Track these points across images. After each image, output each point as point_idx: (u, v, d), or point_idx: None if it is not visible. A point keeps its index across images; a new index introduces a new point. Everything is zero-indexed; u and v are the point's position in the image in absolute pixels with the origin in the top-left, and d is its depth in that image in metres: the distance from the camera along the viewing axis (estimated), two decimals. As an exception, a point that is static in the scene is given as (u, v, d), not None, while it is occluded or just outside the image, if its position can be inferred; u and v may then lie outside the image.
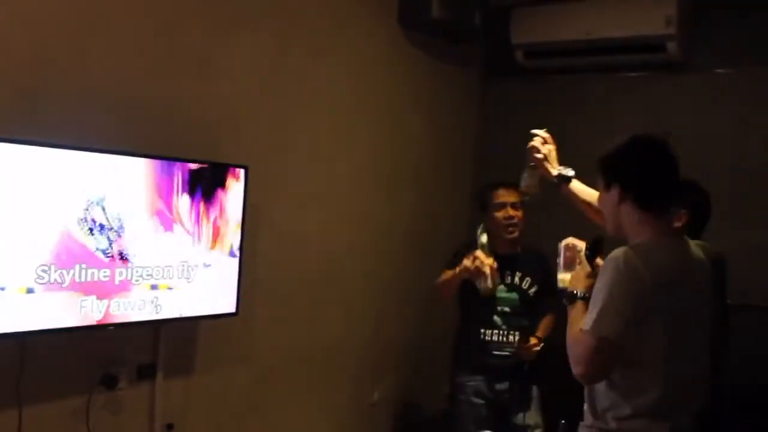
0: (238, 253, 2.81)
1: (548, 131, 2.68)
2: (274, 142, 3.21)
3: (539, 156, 2.66)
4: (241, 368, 3.13)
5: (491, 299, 3.26)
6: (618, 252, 1.92)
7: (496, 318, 3.31)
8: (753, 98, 3.80)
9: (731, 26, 3.88)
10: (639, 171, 2.01)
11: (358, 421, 3.81)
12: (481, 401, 3.30)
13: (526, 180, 2.74)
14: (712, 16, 3.91)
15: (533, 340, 3.23)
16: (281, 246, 3.26)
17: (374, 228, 3.84)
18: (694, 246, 2.10)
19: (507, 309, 3.30)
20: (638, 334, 1.89)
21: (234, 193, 2.78)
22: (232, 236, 2.79)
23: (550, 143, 2.68)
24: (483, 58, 4.60)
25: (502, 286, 3.28)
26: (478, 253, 3.10)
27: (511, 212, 3.32)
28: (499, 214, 3.34)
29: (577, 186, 2.57)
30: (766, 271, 3.59)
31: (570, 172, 2.60)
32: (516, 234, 3.34)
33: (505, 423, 3.24)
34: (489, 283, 3.08)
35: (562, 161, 4.18)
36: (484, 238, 3.15)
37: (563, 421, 2.38)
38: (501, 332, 3.29)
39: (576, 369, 1.94)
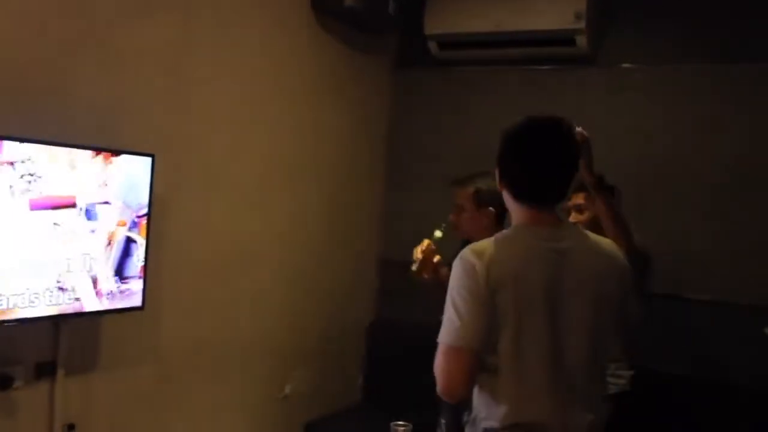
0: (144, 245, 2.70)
1: None
2: (182, 130, 3.10)
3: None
4: (148, 364, 3.03)
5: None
6: (461, 253, 1.81)
7: None
8: (656, 93, 3.91)
9: (637, 23, 3.98)
10: (513, 157, 1.87)
11: (270, 415, 3.75)
12: None
13: None
14: (619, 12, 4.00)
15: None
16: (189, 237, 3.16)
17: (286, 218, 3.77)
18: (593, 239, 1.92)
19: None
20: (492, 336, 1.75)
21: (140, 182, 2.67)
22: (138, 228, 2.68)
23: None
24: (397, 48, 4.57)
25: None
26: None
27: (453, 217, 2.98)
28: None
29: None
30: (666, 260, 3.69)
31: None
32: (461, 235, 2.96)
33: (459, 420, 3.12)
34: (413, 266, 2.95)
35: (470, 153, 4.24)
36: (438, 234, 2.98)
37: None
38: None
39: (437, 385, 1.80)
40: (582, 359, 1.81)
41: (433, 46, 4.24)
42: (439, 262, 2.87)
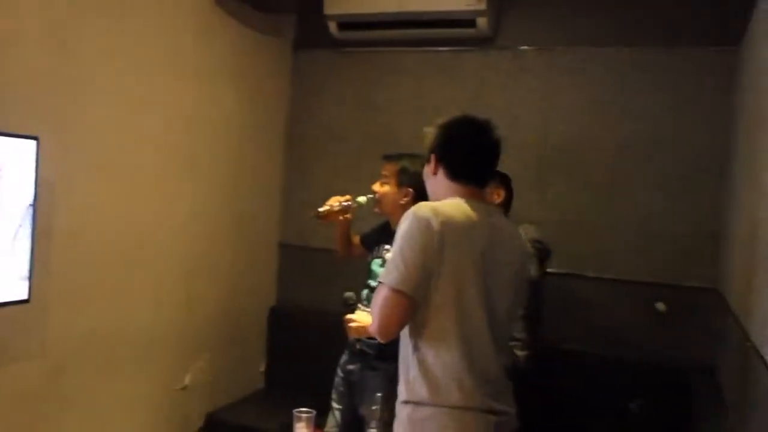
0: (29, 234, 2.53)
1: None
2: (70, 113, 2.91)
3: None
4: (36, 359, 2.84)
5: (367, 271, 3.11)
6: (415, 206, 1.99)
7: (365, 292, 3.04)
8: (553, 75, 3.96)
9: (535, 6, 4.02)
10: (455, 143, 2.10)
11: (169, 407, 3.62)
12: (341, 374, 3.16)
13: None
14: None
15: (356, 317, 2.66)
16: (81, 225, 2.99)
17: (184, 204, 3.62)
18: (511, 224, 2.21)
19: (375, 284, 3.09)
20: (431, 288, 1.93)
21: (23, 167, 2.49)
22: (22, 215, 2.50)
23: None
24: (296, 28, 4.46)
25: (377, 260, 3.13)
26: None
27: (376, 187, 3.05)
28: None
29: None
30: (568, 239, 3.77)
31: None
32: (380, 211, 3.05)
33: (354, 406, 3.06)
34: (321, 208, 3.01)
35: (373, 135, 4.21)
36: (362, 199, 3.01)
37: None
38: (363, 306, 3.14)
39: (371, 325, 1.99)
40: (505, 319, 2.07)
41: (332, 26, 4.16)
42: (344, 221, 3.07)
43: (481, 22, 3.87)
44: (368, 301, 3.00)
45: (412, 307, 1.93)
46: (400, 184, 2.96)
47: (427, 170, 2.16)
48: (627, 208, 3.82)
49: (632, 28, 3.82)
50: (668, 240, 3.74)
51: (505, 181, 3.27)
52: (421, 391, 1.96)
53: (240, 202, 4.04)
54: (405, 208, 2.70)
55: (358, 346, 3.02)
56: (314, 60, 4.43)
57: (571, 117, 3.92)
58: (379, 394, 2.90)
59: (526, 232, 3.05)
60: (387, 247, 3.07)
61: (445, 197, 2.08)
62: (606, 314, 3.82)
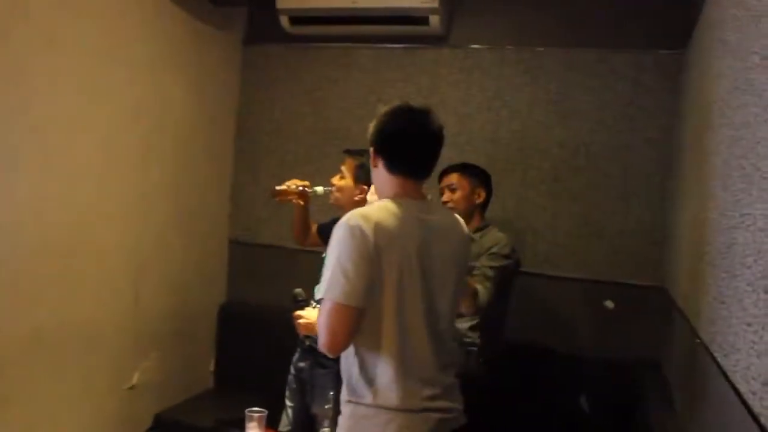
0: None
1: None
2: (11, 102, 2.81)
3: None
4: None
5: (320, 268, 3.05)
6: (346, 215, 1.97)
7: (317, 288, 3.07)
8: (504, 74, 3.99)
9: (487, 5, 4.04)
10: (393, 133, 2.08)
11: (116, 408, 3.53)
12: (293, 372, 3.13)
13: None
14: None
15: (304, 314, 2.67)
16: (19, 218, 2.88)
17: (130, 198, 3.54)
18: (452, 216, 2.24)
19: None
20: (372, 295, 1.92)
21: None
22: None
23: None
24: (246, 22, 4.40)
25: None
26: None
27: (335, 180, 3.08)
28: None
29: None
30: (518, 238, 3.80)
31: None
32: (335, 203, 3.07)
33: (307, 404, 3.06)
34: (278, 186, 3.06)
35: (324, 131, 4.18)
36: (319, 189, 3.01)
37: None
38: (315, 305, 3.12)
39: (319, 341, 1.96)
40: (446, 317, 2.09)
41: (284, 20, 4.11)
42: (299, 206, 3.11)
43: (434, 20, 3.88)
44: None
45: (358, 318, 1.93)
46: (356, 180, 2.99)
47: (371, 164, 2.15)
48: (575, 207, 3.87)
49: (581, 29, 3.87)
50: (615, 239, 3.80)
51: (485, 180, 3.33)
52: (363, 392, 1.97)
53: (189, 197, 3.97)
54: (358, 204, 2.82)
55: (307, 343, 3.00)
56: (265, 54, 4.38)
57: (522, 116, 3.95)
58: (331, 393, 2.88)
59: (497, 242, 3.11)
60: None
61: (386, 191, 2.10)
62: (556, 312, 3.87)
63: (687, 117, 3.28)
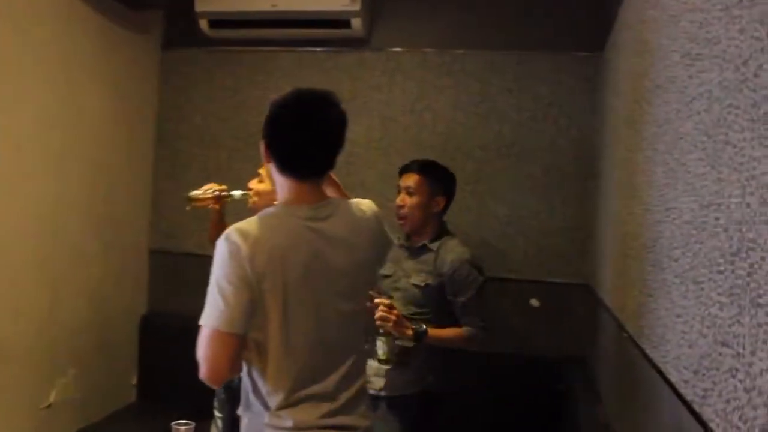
0: None
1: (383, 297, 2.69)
2: None
3: (390, 324, 2.62)
4: None
5: None
6: (226, 230, 1.80)
7: None
8: (425, 77, 4.01)
9: (409, 7, 4.05)
10: (279, 127, 1.87)
11: (32, 428, 3.34)
12: None
13: (382, 348, 2.72)
14: (391, -6, 4.06)
15: None
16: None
17: (46, 207, 3.37)
18: (354, 208, 2.00)
19: None
20: (255, 318, 1.77)
21: None
22: None
23: (394, 308, 2.65)
24: (164, 25, 4.29)
25: None
26: None
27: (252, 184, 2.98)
28: None
29: (433, 332, 2.69)
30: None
31: (422, 328, 2.69)
32: (254, 208, 2.97)
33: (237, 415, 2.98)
34: (195, 192, 2.89)
35: (246, 137, 4.11)
36: (236, 193, 2.88)
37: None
38: None
39: (201, 371, 1.79)
40: (349, 323, 1.94)
41: (203, 23, 4.02)
42: (215, 211, 2.90)
43: (356, 23, 3.86)
44: None
45: (240, 344, 1.78)
46: (274, 183, 2.89)
47: (264, 161, 1.95)
48: (498, 208, 3.91)
49: (501, 32, 3.93)
50: (540, 238, 3.86)
51: (447, 186, 3.07)
52: (259, 411, 1.86)
53: (107, 205, 3.83)
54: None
55: None
56: (184, 59, 4.27)
57: (446, 118, 3.98)
58: None
59: (460, 261, 2.89)
60: None
61: (281, 194, 1.94)
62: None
63: (607, 116, 3.36)
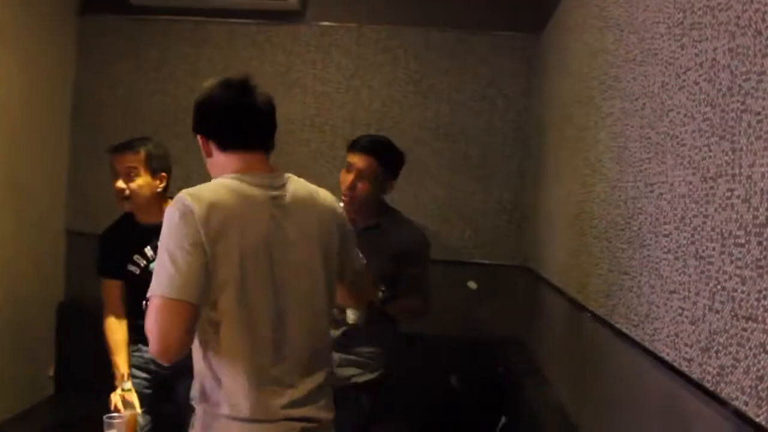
0: None
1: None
2: None
3: None
4: None
5: (150, 277, 2.81)
6: (176, 196, 1.72)
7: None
8: (361, 53, 3.90)
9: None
10: (217, 110, 1.85)
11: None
12: (144, 375, 2.84)
13: (355, 314, 2.62)
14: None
15: None
16: None
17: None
18: (311, 187, 1.94)
19: None
20: (210, 289, 1.67)
21: None
22: None
23: None
24: (80, -11, 4.00)
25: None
26: None
27: (120, 184, 2.76)
28: (114, 186, 2.79)
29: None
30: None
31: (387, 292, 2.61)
32: (131, 206, 2.79)
33: (171, 400, 2.78)
34: None
35: (173, 110, 3.89)
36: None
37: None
38: None
39: (150, 345, 1.66)
40: (312, 307, 1.85)
41: (126, -12, 3.78)
42: None
43: (292, -6, 3.72)
44: None
45: (194, 316, 1.65)
46: (153, 172, 2.76)
47: (204, 155, 1.88)
48: (434, 189, 3.87)
49: (437, 10, 3.87)
50: (476, 220, 3.84)
51: (397, 168, 2.85)
52: (215, 398, 1.74)
53: (20, 181, 3.53)
54: (161, 196, 2.79)
55: None
56: (103, 26, 4.00)
57: (382, 96, 3.89)
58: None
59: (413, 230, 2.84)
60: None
61: (227, 170, 1.83)
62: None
63: (550, 97, 3.33)
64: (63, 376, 3.83)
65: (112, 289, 2.86)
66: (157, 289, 1.63)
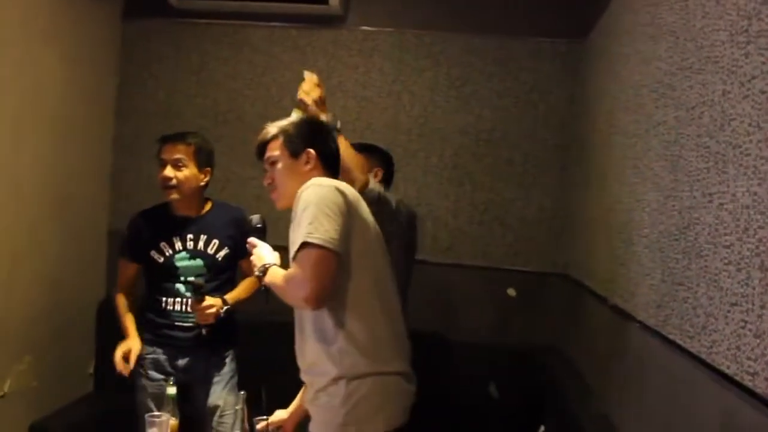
0: None
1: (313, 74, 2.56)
2: None
3: (308, 98, 2.47)
4: None
5: (172, 268, 2.86)
6: (307, 183, 1.97)
7: (179, 286, 2.88)
8: (404, 58, 3.90)
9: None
10: (324, 139, 2.22)
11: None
12: (160, 376, 2.87)
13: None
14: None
15: (209, 301, 2.76)
16: None
17: (1, 185, 3.12)
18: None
19: (192, 277, 2.86)
20: (350, 253, 1.95)
21: None
22: None
23: (321, 87, 2.51)
24: (126, -7, 4.05)
25: (183, 253, 2.88)
26: None
27: (168, 172, 2.83)
28: (159, 175, 2.87)
29: (341, 141, 2.47)
30: (420, 226, 3.71)
31: (338, 124, 2.49)
32: (176, 196, 2.84)
33: (189, 403, 2.82)
34: None
35: (213, 113, 3.93)
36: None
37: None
38: (183, 301, 2.89)
39: (300, 293, 1.87)
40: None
41: (169, -8, 3.82)
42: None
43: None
44: (192, 294, 2.81)
45: (338, 269, 1.90)
46: (199, 165, 2.86)
47: (291, 164, 2.13)
48: (477, 194, 3.84)
49: (482, 15, 3.85)
50: (517, 227, 3.81)
51: (385, 160, 3.14)
52: (356, 362, 1.93)
53: (64, 184, 3.57)
54: (202, 190, 2.91)
55: (204, 332, 2.84)
56: (147, 30, 4.04)
57: (423, 101, 3.89)
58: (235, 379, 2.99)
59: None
60: (204, 237, 2.90)
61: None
62: (458, 301, 3.82)
63: (594, 104, 3.30)
64: (102, 373, 3.84)
65: (127, 271, 3.00)
66: (317, 240, 1.86)
